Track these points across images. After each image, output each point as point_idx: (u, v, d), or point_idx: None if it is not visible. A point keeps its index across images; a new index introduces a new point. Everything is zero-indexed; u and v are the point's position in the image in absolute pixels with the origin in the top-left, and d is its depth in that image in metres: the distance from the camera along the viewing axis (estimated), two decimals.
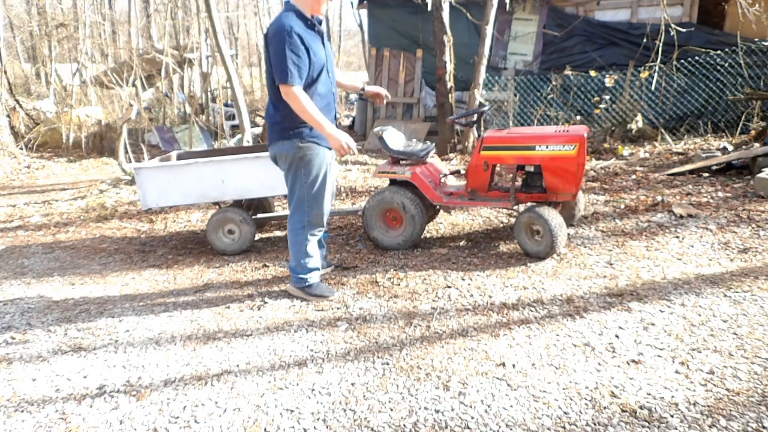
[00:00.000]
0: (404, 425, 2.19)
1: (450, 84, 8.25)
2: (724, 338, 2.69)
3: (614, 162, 6.69)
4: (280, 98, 3.01)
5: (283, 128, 3.12)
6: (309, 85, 3.05)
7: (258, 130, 9.30)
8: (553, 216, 3.79)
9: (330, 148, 3.20)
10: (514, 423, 2.17)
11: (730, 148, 6.34)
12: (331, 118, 3.20)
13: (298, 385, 2.50)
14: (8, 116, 10.05)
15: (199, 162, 4.28)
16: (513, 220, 4.77)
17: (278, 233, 4.98)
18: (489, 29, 7.94)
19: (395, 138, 4.45)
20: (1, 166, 8.79)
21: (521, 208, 4.33)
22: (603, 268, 3.66)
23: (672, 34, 6.69)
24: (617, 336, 2.76)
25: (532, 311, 3.10)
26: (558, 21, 9.06)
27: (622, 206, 4.96)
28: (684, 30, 7.04)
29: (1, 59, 10.06)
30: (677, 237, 4.13)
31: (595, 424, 2.13)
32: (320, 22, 3.14)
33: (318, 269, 3.43)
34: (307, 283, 3.40)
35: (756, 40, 7.36)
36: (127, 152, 7.59)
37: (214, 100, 11.06)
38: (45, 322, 3.32)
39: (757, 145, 5.91)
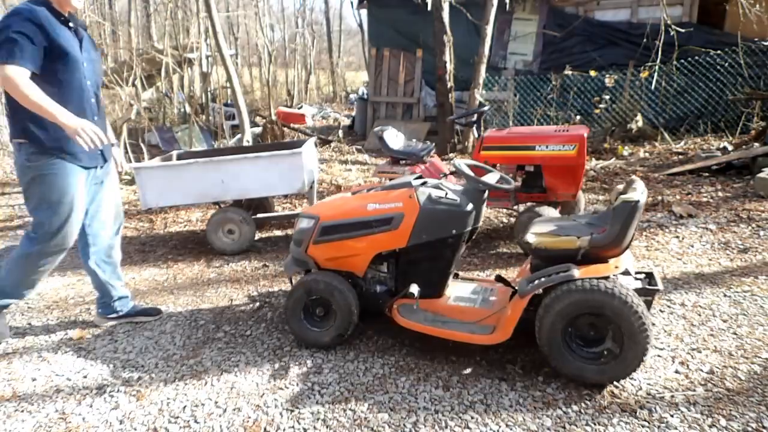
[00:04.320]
0: (404, 425, 2.19)
1: (450, 84, 8.25)
2: (724, 338, 2.69)
3: (614, 162, 6.69)
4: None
5: (17, 127, 2.64)
6: (51, 84, 2.56)
7: (258, 130, 9.30)
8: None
9: (87, 167, 2.79)
10: (514, 423, 2.17)
11: (730, 148, 6.34)
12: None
13: (298, 385, 2.50)
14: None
15: (199, 162, 4.28)
16: (513, 220, 4.77)
17: (278, 233, 4.98)
18: (489, 29, 7.94)
19: (395, 138, 4.45)
20: (1, 166, 8.78)
21: (521, 208, 4.33)
22: None
23: (672, 34, 6.69)
24: None
25: None
26: (558, 21, 9.06)
27: None
28: (684, 30, 7.04)
29: None
30: (677, 237, 4.13)
31: (595, 424, 2.13)
32: (85, 28, 2.80)
33: (15, 301, 3.02)
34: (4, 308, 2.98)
35: (756, 40, 7.35)
36: (126, 152, 7.59)
37: (214, 100, 11.06)
38: (45, 322, 3.32)
39: (757, 145, 5.91)
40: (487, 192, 2.64)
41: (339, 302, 2.68)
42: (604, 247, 2.32)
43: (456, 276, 3.00)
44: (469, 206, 2.56)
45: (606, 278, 2.30)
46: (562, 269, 2.33)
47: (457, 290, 2.88)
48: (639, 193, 2.29)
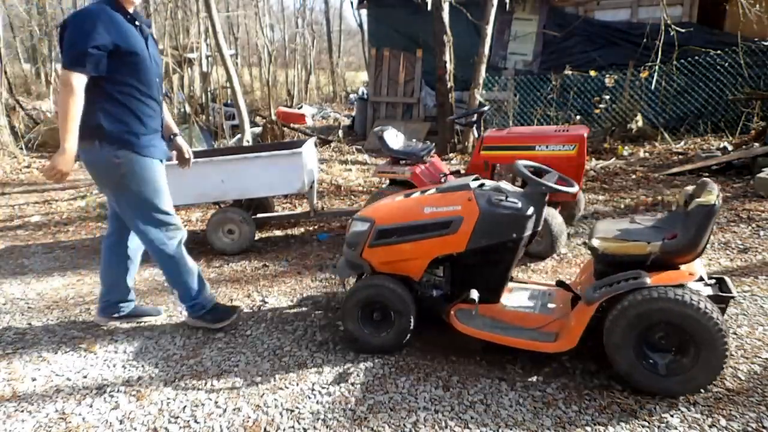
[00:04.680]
0: (404, 425, 2.19)
1: (450, 84, 8.25)
2: None
3: (614, 162, 6.69)
4: (92, 91, 2.55)
5: (96, 127, 2.66)
6: (125, 84, 2.63)
7: (258, 130, 9.30)
8: (553, 216, 3.79)
9: (161, 160, 2.85)
10: (514, 423, 2.17)
11: (730, 148, 6.34)
12: (156, 127, 2.81)
13: (298, 385, 2.50)
14: (8, 116, 10.05)
15: (199, 162, 4.27)
16: None
17: (278, 233, 4.98)
18: (489, 29, 7.94)
19: (395, 138, 4.45)
20: (1, 166, 8.79)
21: None
22: None
23: (672, 34, 6.69)
24: None
25: None
26: (558, 21, 9.06)
27: (622, 206, 4.96)
28: (684, 30, 7.04)
29: (1, 59, 10.06)
30: None
31: (595, 424, 2.13)
32: (150, 26, 2.81)
33: (206, 288, 3.07)
34: (204, 309, 3.05)
35: (756, 40, 7.35)
36: None
37: (214, 100, 11.06)
38: (45, 322, 3.32)
39: (757, 145, 5.91)
40: (548, 195, 2.55)
41: (398, 307, 2.61)
42: (678, 254, 2.22)
43: (510, 278, 2.88)
44: (530, 210, 2.48)
45: (680, 286, 2.20)
46: (632, 276, 2.22)
47: (514, 294, 2.79)
48: (715, 195, 2.19)
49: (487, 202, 2.50)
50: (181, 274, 2.96)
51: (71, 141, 2.51)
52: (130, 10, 2.66)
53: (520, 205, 2.48)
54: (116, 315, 3.19)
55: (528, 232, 2.51)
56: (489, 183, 2.68)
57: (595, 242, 2.40)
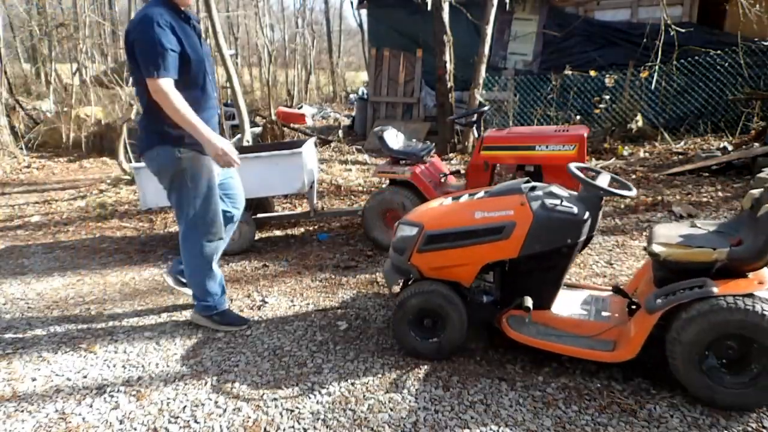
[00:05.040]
0: (404, 425, 2.19)
1: (450, 84, 8.25)
2: None
3: (614, 162, 6.69)
4: (151, 98, 2.62)
5: (155, 133, 2.74)
6: (187, 86, 2.69)
7: (258, 130, 9.30)
8: None
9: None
10: (514, 423, 2.17)
11: (730, 148, 6.34)
12: (214, 126, 2.84)
13: (298, 385, 2.50)
14: (8, 116, 10.05)
15: None
16: None
17: (278, 233, 4.98)
18: (489, 29, 7.94)
19: (395, 138, 4.45)
20: (1, 166, 8.79)
21: None
22: (603, 268, 3.66)
23: (672, 34, 6.68)
24: None
25: None
26: (558, 21, 9.06)
27: (622, 206, 4.96)
28: (684, 30, 7.04)
29: (1, 59, 10.05)
30: None
31: (595, 424, 2.13)
32: (198, 21, 2.85)
33: (223, 294, 3.13)
34: (216, 311, 3.09)
35: (756, 40, 7.36)
36: (126, 152, 7.59)
37: None
38: (45, 322, 3.32)
39: (757, 145, 5.91)
40: (604, 198, 2.45)
41: (450, 313, 2.55)
42: (746, 261, 2.11)
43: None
44: (586, 214, 2.39)
45: (749, 296, 2.08)
46: (697, 284, 2.13)
47: (566, 300, 2.69)
48: None
49: (541, 206, 2.42)
50: (204, 277, 3.01)
51: (205, 133, 2.63)
52: (183, 8, 2.72)
53: (575, 209, 2.38)
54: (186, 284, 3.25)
55: (583, 237, 2.43)
56: (540, 186, 2.60)
57: (657, 248, 2.29)
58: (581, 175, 2.44)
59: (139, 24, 2.60)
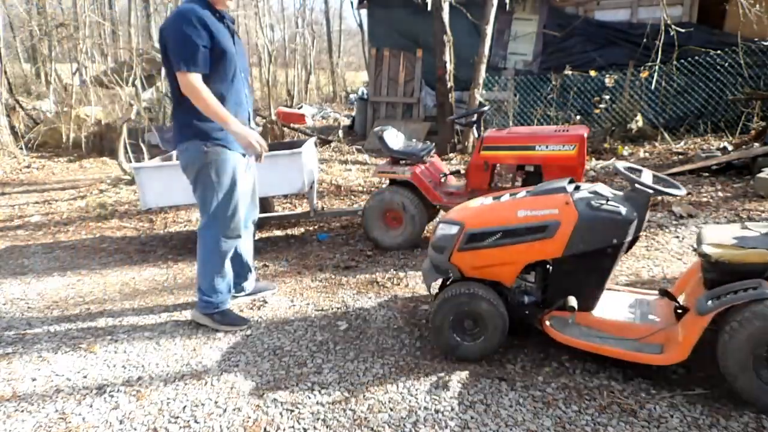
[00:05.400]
0: (404, 425, 2.19)
1: (450, 84, 8.25)
2: None
3: (614, 162, 6.69)
4: (181, 92, 2.72)
5: (185, 126, 2.83)
6: (219, 81, 2.79)
7: (258, 130, 9.30)
8: None
9: (244, 154, 2.98)
10: (514, 423, 2.17)
11: (730, 148, 6.34)
12: (243, 120, 2.92)
13: (298, 385, 2.50)
14: (8, 116, 10.04)
15: None
16: None
17: (278, 233, 4.98)
18: (489, 29, 7.94)
19: (395, 138, 4.45)
20: (1, 166, 8.79)
21: None
22: None
23: (672, 34, 6.69)
24: None
25: None
26: (558, 21, 9.06)
27: None
28: (684, 30, 7.04)
29: (1, 59, 10.05)
30: (677, 237, 4.13)
31: (595, 424, 2.13)
32: (233, 21, 2.92)
33: (229, 294, 3.16)
34: (217, 309, 3.10)
35: (756, 40, 7.35)
36: (127, 152, 7.59)
37: None
38: (45, 322, 3.32)
39: (757, 145, 5.91)
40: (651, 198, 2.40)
41: (492, 314, 2.51)
42: None
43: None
44: (633, 214, 2.34)
45: None
46: (752, 286, 2.09)
47: (610, 302, 2.65)
48: None
49: (586, 205, 2.39)
50: (214, 274, 3.04)
51: (233, 124, 2.74)
52: (219, 8, 2.80)
53: (622, 209, 2.34)
54: (238, 294, 3.38)
55: (629, 238, 2.39)
56: (585, 186, 2.56)
57: (708, 249, 2.25)
58: (630, 174, 2.40)
59: (172, 20, 2.70)
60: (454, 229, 2.61)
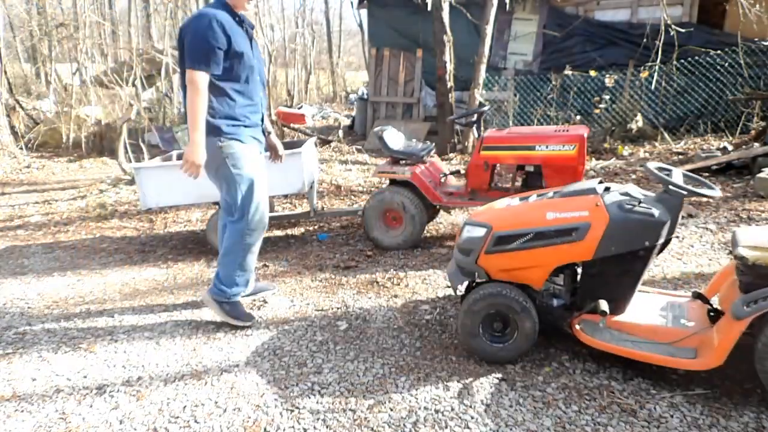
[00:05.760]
0: (404, 425, 2.19)
1: (450, 84, 8.25)
2: None
3: (614, 162, 6.69)
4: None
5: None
6: (234, 81, 2.87)
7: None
8: None
9: (259, 141, 3.07)
10: (514, 423, 2.17)
11: (730, 148, 6.34)
12: (256, 121, 3.02)
13: (298, 385, 2.50)
14: (8, 116, 10.04)
15: None
16: None
17: (278, 233, 4.98)
18: (489, 29, 7.94)
19: (395, 138, 4.45)
20: (1, 166, 8.78)
21: None
22: None
23: (672, 34, 6.69)
24: None
25: None
26: (558, 21, 9.06)
27: None
28: (684, 30, 7.04)
29: (1, 59, 10.05)
30: (677, 237, 4.13)
31: (595, 424, 2.13)
32: (252, 27, 2.99)
33: (244, 289, 3.18)
34: (228, 300, 3.12)
35: (756, 40, 7.36)
36: (127, 152, 7.59)
37: None
38: (45, 322, 3.32)
39: (757, 145, 5.91)
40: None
41: (522, 317, 2.49)
42: None
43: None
44: (666, 216, 2.30)
45: None
46: None
47: (641, 305, 2.61)
48: None
49: (618, 207, 2.35)
50: (235, 265, 3.08)
51: (200, 135, 2.76)
52: (239, 13, 2.89)
53: (654, 210, 2.30)
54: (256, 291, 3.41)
55: (662, 240, 2.34)
56: (616, 187, 2.53)
57: (745, 252, 2.19)
58: (663, 176, 2.37)
59: (193, 20, 2.78)
60: (482, 231, 2.57)
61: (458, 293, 2.78)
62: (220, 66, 2.79)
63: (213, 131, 2.86)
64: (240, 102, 2.92)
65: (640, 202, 2.34)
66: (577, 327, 2.50)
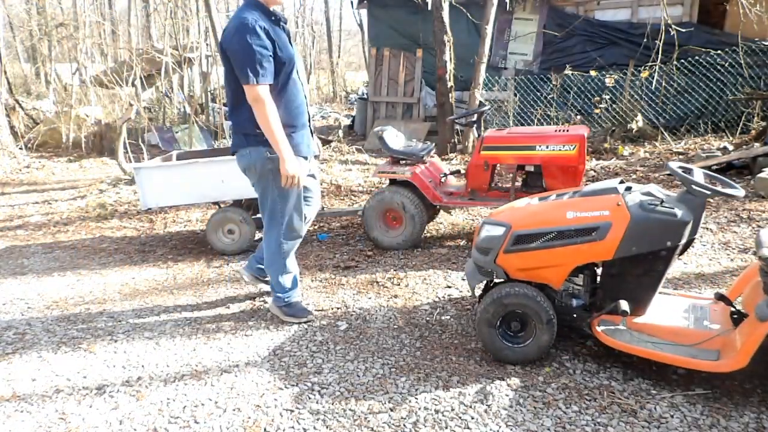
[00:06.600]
0: (404, 425, 2.19)
1: (450, 84, 8.25)
2: None
3: (614, 162, 6.69)
4: (242, 100, 2.74)
5: (250, 135, 2.85)
6: (282, 86, 2.80)
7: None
8: None
9: (305, 157, 2.99)
10: (514, 423, 2.17)
11: (730, 148, 6.34)
12: (304, 122, 2.96)
13: (298, 385, 2.49)
14: (8, 116, 10.04)
15: (199, 162, 4.28)
16: None
17: None
18: (489, 29, 7.94)
19: (395, 138, 4.45)
20: (1, 166, 8.78)
21: None
22: None
23: (672, 33, 6.68)
24: None
25: None
26: (558, 21, 9.06)
27: None
28: (684, 30, 7.03)
29: (1, 59, 10.05)
30: None
31: (595, 424, 2.13)
32: (286, 22, 2.88)
33: (295, 288, 3.20)
34: (284, 303, 3.16)
35: (756, 40, 7.36)
36: (126, 152, 7.58)
37: (213, 100, 11.04)
38: (45, 322, 3.32)
39: (757, 145, 5.91)
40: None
41: (540, 317, 2.46)
42: None
43: None
44: (688, 216, 2.27)
45: None
46: None
47: (662, 306, 2.57)
48: None
49: (639, 207, 2.32)
50: (279, 272, 3.10)
51: (284, 146, 2.73)
52: (272, 9, 2.78)
53: (677, 210, 2.27)
54: (264, 278, 3.41)
55: (684, 240, 2.31)
56: (637, 186, 2.50)
57: None
58: (686, 175, 2.34)
59: (235, 31, 2.67)
60: (501, 231, 2.55)
61: (476, 293, 2.76)
62: (274, 75, 2.72)
63: (263, 142, 2.79)
64: (286, 107, 2.83)
65: (662, 202, 2.31)
66: (598, 328, 2.46)
